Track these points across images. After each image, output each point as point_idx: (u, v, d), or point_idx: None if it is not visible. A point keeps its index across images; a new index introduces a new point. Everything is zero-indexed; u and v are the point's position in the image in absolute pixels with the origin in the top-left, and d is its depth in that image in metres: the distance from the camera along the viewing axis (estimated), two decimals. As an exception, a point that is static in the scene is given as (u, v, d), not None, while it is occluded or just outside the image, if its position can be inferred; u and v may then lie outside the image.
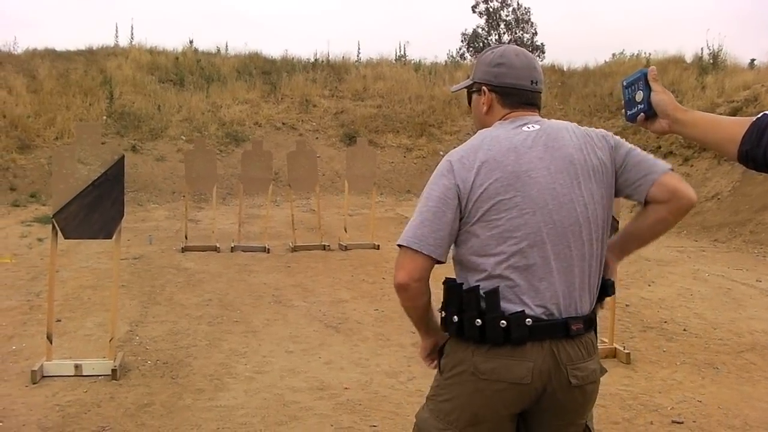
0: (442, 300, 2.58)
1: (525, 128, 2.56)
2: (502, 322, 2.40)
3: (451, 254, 2.60)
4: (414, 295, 2.58)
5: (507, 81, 2.64)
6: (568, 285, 2.48)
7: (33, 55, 22.98)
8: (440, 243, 2.51)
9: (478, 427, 2.49)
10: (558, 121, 2.67)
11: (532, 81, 2.64)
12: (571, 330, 2.46)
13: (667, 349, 7.06)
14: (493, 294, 2.43)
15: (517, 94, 2.63)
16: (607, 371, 2.68)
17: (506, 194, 2.45)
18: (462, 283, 2.52)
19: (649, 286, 9.79)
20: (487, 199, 2.45)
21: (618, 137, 2.67)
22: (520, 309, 2.42)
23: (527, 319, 2.41)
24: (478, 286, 2.46)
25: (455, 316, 2.49)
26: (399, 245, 2.61)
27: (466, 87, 2.82)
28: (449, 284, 2.56)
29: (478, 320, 2.43)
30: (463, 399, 2.50)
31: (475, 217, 2.48)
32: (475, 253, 2.49)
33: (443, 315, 2.56)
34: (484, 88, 2.69)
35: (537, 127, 2.57)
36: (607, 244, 2.63)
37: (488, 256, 2.46)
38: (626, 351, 6.67)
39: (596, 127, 2.70)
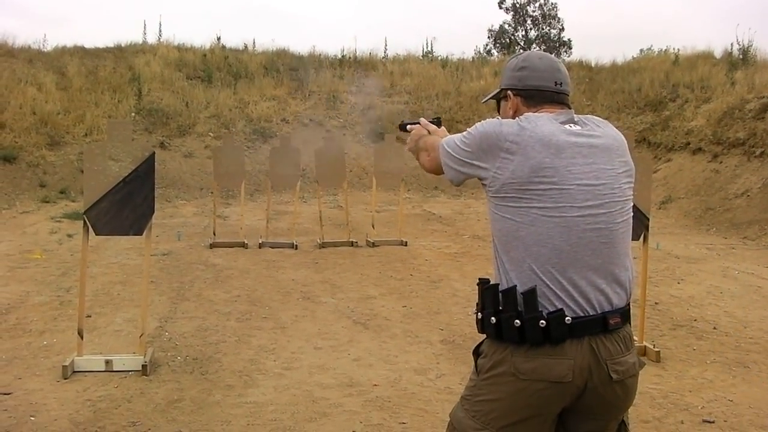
0: (477, 301, 2.59)
1: (568, 126, 2.58)
2: (542, 322, 2.41)
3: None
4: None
5: (530, 83, 2.69)
6: (603, 280, 2.50)
7: (62, 52, 23.11)
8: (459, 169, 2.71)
9: (517, 426, 2.50)
10: (600, 120, 2.71)
11: (556, 82, 2.68)
12: (609, 324, 2.48)
13: (697, 347, 7.02)
14: (531, 294, 2.44)
15: (540, 95, 2.68)
16: (645, 364, 2.68)
17: (541, 185, 2.47)
18: (498, 284, 2.54)
19: (679, 283, 9.72)
20: (520, 184, 2.49)
21: None
22: (558, 307, 2.43)
23: (567, 318, 2.42)
24: (515, 286, 2.47)
25: (493, 317, 2.51)
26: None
27: (494, 96, 2.89)
28: (485, 286, 2.58)
29: (517, 321, 2.44)
30: (503, 399, 2.50)
31: (507, 198, 2.53)
32: (516, 240, 2.53)
33: (480, 317, 2.58)
34: (509, 92, 2.75)
35: (578, 128, 2.59)
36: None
37: (522, 244, 2.50)
38: (656, 349, 6.63)
39: (624, 124, 2.75)
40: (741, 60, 22.06)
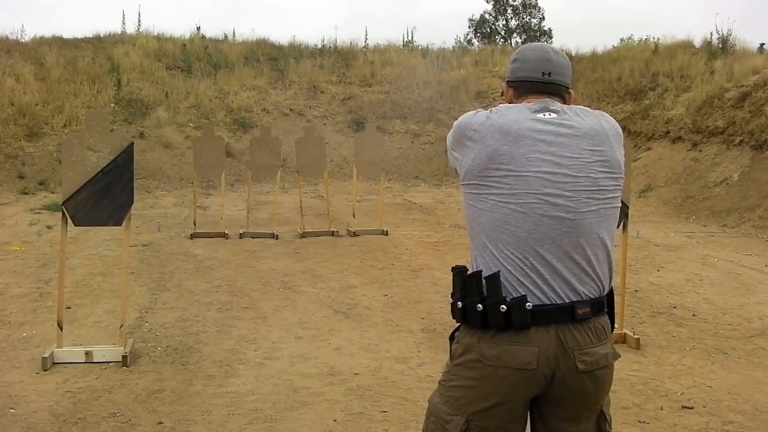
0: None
1: (541, 114, 2.57)
2: (502, 307, 2.42)
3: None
4: None
5: (519, 74, 2.73)
6: (567, 269, 2.49)
7: (41, 42, 22.99)
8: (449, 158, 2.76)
9: (486, 413, 2.51)
10: (584, 109, 2.69)
11: (543, 72, 2.68)
12: (576, 314, 2.47)
13: (676, 334, 7.06)
14: (494, 279, 2.47)
15: (527, 86, 2.70)
16: (620, 356, 2.67)
17: (498, 171, 2.51)
18: (465, 269, 2.57)
19: (658, 271, 9.78)
20: (479, 171, 2.55)
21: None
22: (522, 293, 2.44)
23: (528, 304, 2.43)
24: (481, 271, 2.50)
25: (460, 302, 2.54)
26: None
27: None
28: (455, 271, 2.60)
29: (480, 305, 2.46)
30: (472, 386, 2.52)
31: (470, 185, 2.59)
32: (478, 226, 2.58)
33: (451, 302, 2.60)
34: (504, 84, 2.80)
35: (554, 115, 2.58)
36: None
37: (486, 231, 2.54)
38: (636, 336, 6.67)
39: (604, 112, 2.73)
40: (720, 49, 22.11)
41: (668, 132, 19.07)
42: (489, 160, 2.51)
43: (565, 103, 2.69)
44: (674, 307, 7.95)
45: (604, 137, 2.59)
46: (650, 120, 20.19)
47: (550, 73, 2.68)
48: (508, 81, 2.78)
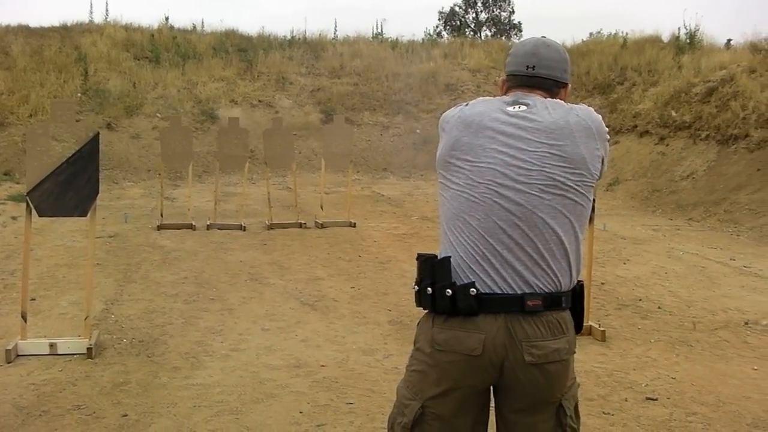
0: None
1: (510, 108, 2.61)
2: (448, 291, 2.47)
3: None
4: None
5: (510, 69, 2.78)
6: (519, 261, 2.50)
7: (6, 31, 22.71)
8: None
9: (438, 399, 2.55)
10: (558, 103, 2.67)
11: (527, 66, 2.71)
12: (526, 306, 2.48)
13: (641, 326, 7.11)
14: (442, 263, 2.52)
15: (514, 80, 2.75)
16: (574, 352, 2.65)
17: (457, 161, 2.59)
18: (422, 254, 2.63)
19: (625, 264, 9.84)
20: (446, 158, 2.63)
21: (605, 139, 2.69)
22: (471, 280, 2.48)
23: (472, 290, 2.46)
24: (435, 256, 2.57)
25: (416, 286, 2.59)
26: None
27: None
28: (418, 256, 2.65)
29: (429, 289, 2.52)
30: (425, 370, 2.58)
31: (440, 175, 2.68)
32: (442, 214, 2.67)
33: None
34: (501, 78, 2.86)
35: (523, 108, 2.60)
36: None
37: (448, 217, 2.62)
38: (601, 329, 6.71)
39: (588, 107, 2.74)
40: (688, 44, 22.24)
41: (636, 126, 19.19)
42: (451, 149, 2.61)
43: (553, 97, 2.69)
44: (640, 300, 8.01)
45: (567, 132, 2.55)
46: (618, 114, 20.30)
47: (534, 66, 2.69)
48: (506, 76, 2.82)
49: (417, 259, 2.63)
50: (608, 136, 2.71)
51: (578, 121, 2.60)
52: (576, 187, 2.55)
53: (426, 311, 2.62)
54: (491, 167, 2.51)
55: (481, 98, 2.71)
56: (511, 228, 2.50)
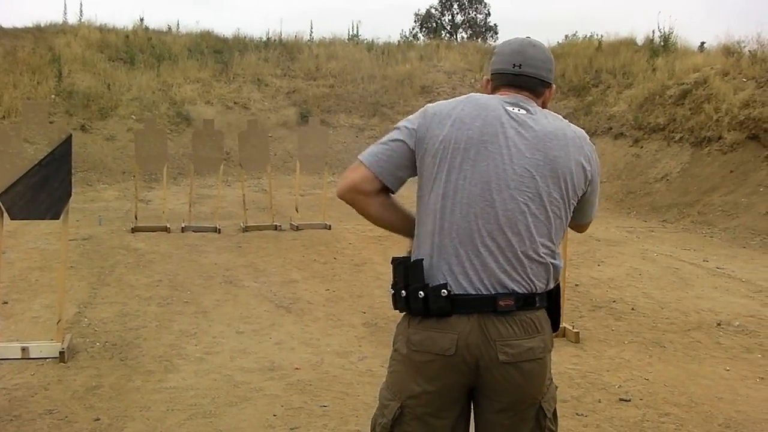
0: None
1: (511, 108, 2.61)
2: (420, 293, 2.49)
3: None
4: (359, 206, 2.71)
5: (495, 67, 2.78)
6: (502, 264, 2.51)
7: (-22, 32, 22.56)
8: (390, 170, 2.64)
9: (416, 399, 2.57)
10: (556, 116, 2.71)
11: (513, 64, 2.71)
12: (498, 306, 2.49)
13: (615, 328, 7.15)
14: (416, 266, 2.53)
15: (500, 78, 2.74)
16: (550, 350, 2.66)
17: (456, 158, 2.54)
18: (397, 257, 2.63)
19: (599, 266, 9.89)
20: (435, 154, 2.57)
21: (596, 166, 2.73)
22: (443, 282, 2.49)
23: (443, 291, 2.47)
24: (408, 258, 2.59)
25: (391, 289, 2.61)
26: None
27: None
28: (392, 260, 2.65)
29: (403, 291, 2.53)
30: (402, 371, 2.60)
31: (421, 168, 2.62)
32: (419, 211, 2.65)
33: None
34: (485, 77, 2.86)
35: (524, 112, 2.61)
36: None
37: (427, 218, 2.59)
38: (575, 330, 6.74)
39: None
40: (662, 47, 22.35)
41: (611, 128, 19.29)
42: (443, 143, 2.58)
43: (538, 96, 2.72)
44: (614, 301, 8.05)
45: (563, 143, 2.59)
46: (593, 116, 20.40)
47: (520, 65, 2.69)
48: (491, 74, 2.82)
49: (392, 262, 2.64)
50: (598, 164, 2.75)
51: (574, 136, 2.64)
52: (560, 200, 2.58)
53: (403, 313, 2.64)
54: (489, 168, 2.51)
55: (476, 94, 2.69)
56: (496, 231, 2.51)
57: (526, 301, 2.54)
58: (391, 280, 2.62)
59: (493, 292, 2.49)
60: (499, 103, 2.61)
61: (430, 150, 2.57)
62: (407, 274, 2.54)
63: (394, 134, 2.67)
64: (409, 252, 2.69)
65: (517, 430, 2.62)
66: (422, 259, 2.53)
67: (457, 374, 2.52)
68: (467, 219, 2.50)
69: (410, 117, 2.68)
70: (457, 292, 2.49)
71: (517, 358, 2.51)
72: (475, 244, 2.50)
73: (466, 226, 2.50)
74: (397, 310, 2.63)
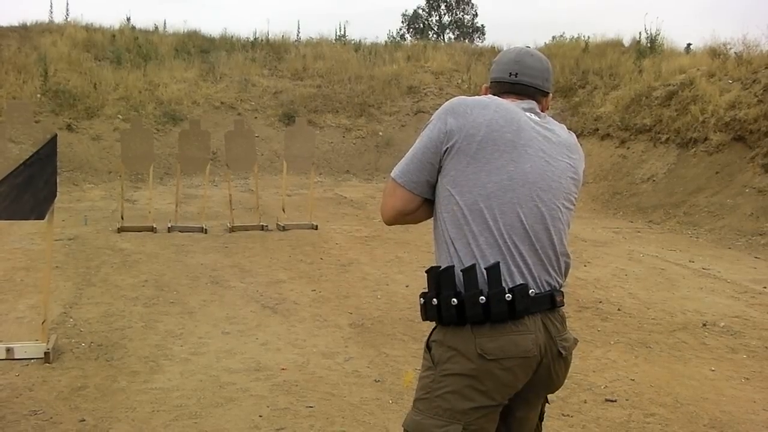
0: (427, 288, 2.58)
1: (529, 114, 2.67)
2: (508, 295, 2.43)
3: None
4: (409, 223, 2.76)
5: (493, 75, 2.83)
6: (546, 259, 2.58)
7: (-36, 31, 22.46)
8: (424, 181, 2.62)
9: (485, 411, 2.49)
10: (558, 123, 2.81)
11: (510, 73, 2.77)
12: (556, 302, 2.58)
13: (601, 328, 7.16)
14: (494, 269, 2.46)
15: (498, 86, 2.79)
16: (578, 341, 2.79)
17: (499, 159, 2.53)
18: (453, 266, 2.51)
19: (585, 266, 9.90)
20: (473, 155, 2.53)
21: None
22: (520, 282, 2.49)
23: (531, 291, 2.49)
24: (475, 264, 2.47)
25: (453, 299, 2.46)
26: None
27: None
28: (437, 271, 2.54)
29: (482, 298, 2.42)
30: (469, 386, 2.46)
31: (452, 168, 2.55)
32: (451, 212, 2.55)
33: (434, 303, 2.51)
34: (485, 86, 2.88)
35: (537, 119, 2.69)
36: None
37: (469, 219, 2.51)
38: (561, 331, 6.74)
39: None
40: (649, 48, 22.40)
41: (597, 129, 19.35)
42: (482, 142, 2.56)
43: (538, 104, 2.76)
44: (600, 302, 8.06)
45: (575, 149, 2.74)
46: (580, 117, 20.45)
47: (517, 73, 2.75)
48: (489, 82, 2.85)
49: (443, 271, 2.51)
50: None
51: (576, 145, 2.78)
52: (575, 202, 2.73)
53: (442, 325, 2.53)
54: (533, 170, 2.55)
55: (494, 97, 2.69)
56: (543, 231, 2.56)
57: (562, 296, 2.66)
58: (442, 290, 2.49)
59: (547, 290, 2.56)
60: (518, 107, 2.65)
61: (465, 150, 2.52)
62: (487, 278, 2.44)
63: (424, 141, 2.60)
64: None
65: (530, 419, 2.73)
66: (498, 262, 2.46)
67: (526, 376, 2.53)
68: (519, 219, 2.51)
69: (441, 116, 2.60)
70: (536, 292, 2.52)
71: (567, 351, 2.62)
72: (531, 244, 2.53)
73: (520, 226, 2.51)
74: (447, 323, 2.49)
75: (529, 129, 2.58)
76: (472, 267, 2.46)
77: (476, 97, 2.67)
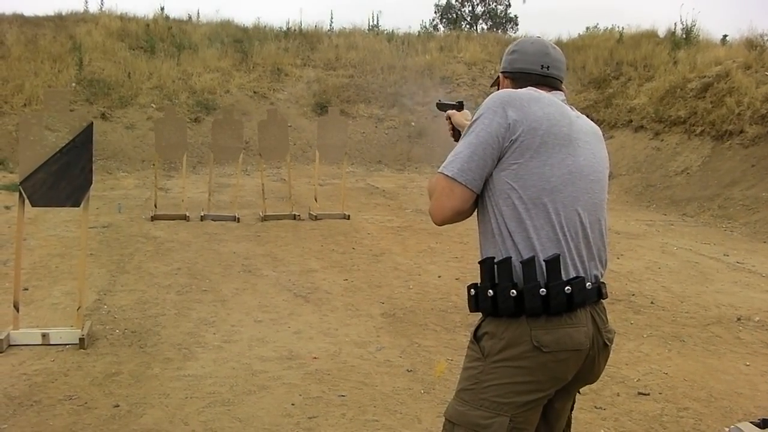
0: (480, 279, 2.54)
1: (568, 106, 2.70)
2: (567, 288, 2.43)
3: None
4: (461, 220, 2.66)
5: (518, 66, 2.79)
6: (596, 252, 2.60)
7: (0, 20, 22.62)
8: (481, 177, 2.52)
9: (534, 404, 2.49)
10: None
11: (542, 66, 2.75)
12: (603, 294, 2.59)
13: (634, 321, 7.12)
14: (554, 262, 2.44)
15: (525, 78, 2.75)
16: (615, 332, 2.77)
17: (560, 153, 2.51)
18: (510, 257, 2.47)
19: (618, 259, 9.84)
20: (537, 149, 2.49)
21: None
22: (574, 275, 2.49)
23: (587, 284, 2.51)
24: (534, 256, 2.43)
25: (513, 291, 2.43)
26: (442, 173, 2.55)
27: (494, 82, 2.99)
28: (496, 262, 2.50)
29: (543, 290, 2.41)
30: (522, 380, 2.44)
31: (512, 161, 2.50)
32: (526, 204, 2.48)
33: (489, 294, 2.48)
34: (500, 75, 2.87)
35: (573, 111, 2.70)
36: None
37: (531, 212, 2.48)
38: (594, 323, 6.71)
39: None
40: (684, 39, 22.25)
41: (631, 121, 19.22)
42: (544, 135, 2.54)
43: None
44: (633, 295, 8.01)
45: (601, 138, 2.75)
46: (613, 108, 20.32)
47: (548, 66, 2.75)
48: (504, 72, 2.83)
49: (501, 262, 2.48)
50: None
51: (601, 134, 2.80)
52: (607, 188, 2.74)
53: (496, 316, 2.49)
54: (586, 162, 2.57)
55: (535, 89, 2.65)
56: (596, 223, 2.59)
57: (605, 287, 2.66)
58: (501, 281, 2.46)
59: (594, 282, 2.57)
60: (557, 100, 2.65)
61: (529, 144, 2.47)
62: (547, 271, 2.42)
63: (483, 136, 2.49)
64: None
65: (566, 409, 2.74)
66: (558, 255, 2.44)
67: (576, 368, 2.53)
68: (577, 213, 2.52)
69: (496, 110, 2.50)
70: (590, 284, 2.53)
71: (611, 342, 2.62)
72: (586, 237, 2.55)
73: (578, 220, 2.52)
74: (503, 315, 2.45)
75: (575, 123, 2.59)
76: (532, 259, 2.43)
77: (523, 90, 2.61)
